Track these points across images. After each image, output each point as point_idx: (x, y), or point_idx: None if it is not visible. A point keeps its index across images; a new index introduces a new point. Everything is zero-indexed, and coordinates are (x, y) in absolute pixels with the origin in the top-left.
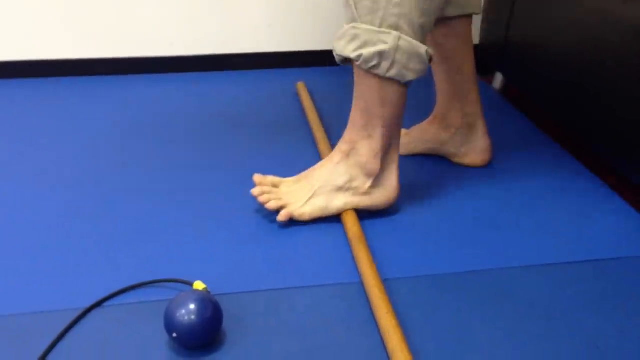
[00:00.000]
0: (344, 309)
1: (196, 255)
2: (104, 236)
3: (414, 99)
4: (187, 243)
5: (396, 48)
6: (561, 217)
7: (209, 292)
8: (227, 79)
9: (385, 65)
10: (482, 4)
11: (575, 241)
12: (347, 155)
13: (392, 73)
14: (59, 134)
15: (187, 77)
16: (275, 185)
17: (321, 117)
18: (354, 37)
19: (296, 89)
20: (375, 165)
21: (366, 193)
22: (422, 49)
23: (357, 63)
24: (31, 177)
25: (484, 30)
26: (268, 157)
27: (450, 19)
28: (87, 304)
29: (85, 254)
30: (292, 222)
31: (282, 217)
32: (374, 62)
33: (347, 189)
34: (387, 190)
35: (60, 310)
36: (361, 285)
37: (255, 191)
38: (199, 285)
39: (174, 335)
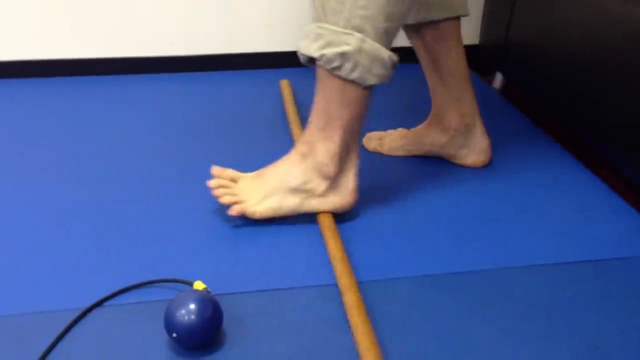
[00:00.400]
0: (340, 310)
1: (196, 255)
2: (104, 236)
3: (412, 99)
4: (187, 243)
5: (359, 50)
6: (561, 217)
7: (209, 292)
8: (227, 79)
9: (347, 66)
10: (468, 5)
11: (575, 241)
12: (304, 156)
13: (354, 75)
14: (59, 134)
15: (187, 77)
16: (233, 180)
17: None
18: (318, 37)
19: (279, 86)
20: (331, 168)
21: (321, 195)
22: (385, 54)
23: (320, 63)
24: (30, 177)
25: (484, 30)
26: (268, 157)
27: (438, 22)
28: (87, 304)
29: (85, 254)
30: (294, 222)
31: (233, 212)
32: (336, 63)
33: (302, 191)
34: (343, 194)
35: (60, 310)
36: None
37: (211, 183)
38: (199, 285)
39: (174, 335)
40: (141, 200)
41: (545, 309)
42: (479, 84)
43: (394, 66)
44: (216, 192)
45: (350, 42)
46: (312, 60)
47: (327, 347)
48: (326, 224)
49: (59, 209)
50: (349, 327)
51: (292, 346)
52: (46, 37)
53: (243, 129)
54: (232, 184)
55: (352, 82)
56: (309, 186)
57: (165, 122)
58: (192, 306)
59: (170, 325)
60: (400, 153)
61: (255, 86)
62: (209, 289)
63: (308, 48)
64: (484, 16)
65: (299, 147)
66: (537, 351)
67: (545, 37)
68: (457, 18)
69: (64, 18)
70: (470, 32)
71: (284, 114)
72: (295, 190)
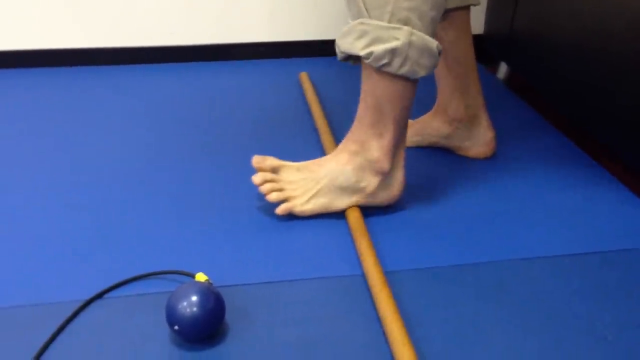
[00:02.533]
0: (347, 301)
1: (198, 247)
2: (105, 227)
3: (418, 89)
4: (189, 234)
5: (409, 44)
6: (566, 208)
7: (211, 284)
8: (229, 69)
9: (397, 62)
10: None
11: (581, 232)
12: (355, 154)
13: (404, 70)
14: (58, 124)
15: (188, 67)
16: (274, 170)
17: (324, 108)
18: (363, 34)
19: (299, 79)
20: (386, 164)
21: (372, 193)
22: (434, 43)
23: (368, 61)
24: (31, 168)
25: (489, 20)
26: (270, 148)
27: (449, 10)
28: (88, 296)
29: (86, 245)
30: (294, 214)
31: (281, 210)
32: (385, 60)
33: (354, 191)
34: (393, 188)
35: (61, 302)
36: (363, 277)
37: (256, 179)
38: (201, 277)
39: (176, 327)
40: (143, 191)
41: (552, 300)
42: (483, 73)
43: (440, 53)
44: (263, 189)
45: (398, 36)
46: (349, 58)
47: (330, 338)
48: (353, 217)
49: (60, 200)
50: (352, 318)
51: (295, 338)
52: (45, 27)
53: (245, 120)
54: (276, 177)
55: (400, 76)
56: (361, 185)
57: (166, 113)
58: (194, 298)
59: (171, 317)
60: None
61: (258, 76)
62: (211, 281)
63: (352, 46)
64: (488, 6)
65: (349, 146)
66: (545, 343)
67: (550, 26)
68: (468, 7)
69: (63, 7)
70: (475, 21)
71: (288, 104)
72: (346, 190)
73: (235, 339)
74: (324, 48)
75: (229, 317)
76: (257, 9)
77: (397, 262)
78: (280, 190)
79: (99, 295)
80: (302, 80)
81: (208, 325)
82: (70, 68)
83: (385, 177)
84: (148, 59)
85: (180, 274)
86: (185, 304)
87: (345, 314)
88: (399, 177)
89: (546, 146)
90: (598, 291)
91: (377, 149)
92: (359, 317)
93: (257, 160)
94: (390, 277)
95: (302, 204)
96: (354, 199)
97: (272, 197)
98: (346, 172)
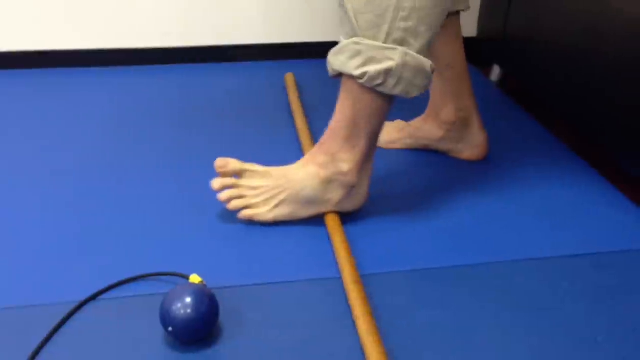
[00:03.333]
0: (341, 303)
1: (192, 248)
2: (99, 229)
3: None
4: (184, 236)
5: (403, 65)
6: (558, 211)
7: (205, 286)
8: (222, 70)
9: (391, 82)
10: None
11: (573, 234)
12: (325, 167)
13: (398, 90)
14: (52, 125)
15: (181, 69)
16: (239, 173)
17: (309, 109)
18: (357, 53)
19: (284, 80)
20: (354, 177)
21: (337, 204)
22: (428, 63)
23: (361, 81)
24: (21, 169)
25: (482, 22)
26: (258, 149)
27: None
28: (82, 297)
29: (80, 247)
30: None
31: (243, 216)
32: (379, 80)
33: (319, 202)
34: (358, 198)
35: (55, 304)
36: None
37: (215, 184)
38: (195, 278)
39: (170, 329)
40: (137, 193)
41: (543, 302)
42: (476, 76)
43: (433, 72)
44: (221, 197)
45: (393, 57)
46: (341, 75)
47: (325, 340)
48: (331, 219)
49: (53, 201)
50: (349, 320)
51: (289, 340)
52: (39, 28)
53: (236, 121)
54: (237, 182)
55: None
56: (327, 196)
57: (159, 114)
58: (189, 300)
59: (166, 319)
60: (397, 146)
61: (249, 78)
62: (205, 283)
63: (345, 65)
64: (481, 8)
65: (318, 158)
66: (536, 345)
67: (543, 29)
68: (458, 13)
69: (57, 8)
70: (468, 24)
71: (277, 105)
72: (311, 201)
73: (230, 341)
74: (317, 50)
75: (223, 318)
76: (251, 11)
77: (383, 264)
78: (240, 197)
79: (93, 297)
80: (287, 81)
81: (202, 327)
82: (63, 69)
83: (351, 189)
84: (140, 61)
85: (174, 275)
86: (179, 305)
87: (339, 316)
88: (364, 190)
89: (538, 148)
90: (589, 293)
91: (348, 162)
92: (350, 319)
93: (219, 163)
94: (375, 279)
95: (264, 213)
96: (318, 210)
97: (232, 205)
98: (313, 185)
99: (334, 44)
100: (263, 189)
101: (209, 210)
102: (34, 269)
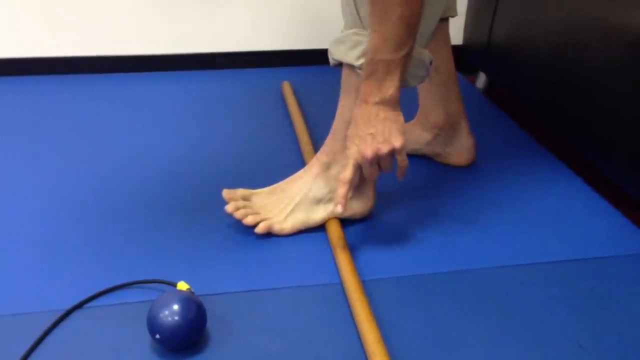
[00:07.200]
0: (327, 310)
1: (179, 256)
2: (86, 236)
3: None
4: (170, 243)
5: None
6: (543, 217)
7: (192, 293)
8: (212, 78)
9: None
10: (457, 6)
11: (558, 240)
12: (328, 167)
13: None
14: (36, 133)
15: (171, 76)
16: (245, 199)
17: (305, 117)
18: (357, 43)
19: (281, 88)
20: (357, 176)
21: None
22: (426, 56)
23: (360, 71)
24: (7, 176)
25: (468, 31)
26: (251, 158)
27: None
28: (68, 306)
29: (66, 255)
30: (274, 233)
31: (260, 229)
32: None
33: (327, 201)
34: (365, 201)
35: (41, 312)
36: (342, 286)
37: (229, 208)
38: (182, 285)
39: (157, 336)
40: (124, 200)
41: (527, 308)
42: (462, 83)
43: (431, 64)
44: (237, 215)
45: None
46: (341, 64)
47: (314, 346)
48: (332, 227)
49: (40, 210)
50: (332, 327)
51: (276, 346)
52: (26, 35)
53: (227, 129)
54: (248, 203)
55: None
56: (334, 195)
57: (148, 121)
58: (176, 307)
59: (153, 326)
60: None
61: (240, 85)
62: (192, 290)
63: (346, 55)
64: (467, 17)
65: (321, 158)
66: (520, 350)
67: (528, 37)
68: (447, 19)
69: (45, 15)
70: (454, 32)
71: (270, 113)
72: (321, 202)
73: (217, 348)
74: (306, 57)
75: (210, 325)
76: (241, 18)
77: (376, 270)
78: (255, 214)
79: (79, 305)
80: (284, 90)
81: (190, 334)
82: (52, 76)
83: (356, 189)
84: (130, 68)
85: (161, 282)
86: (166, 312)
87: (325, 322)
88: (370, 191)
89: (524, 155)
90: (574, 299)
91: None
92: (338, 326)
93: (227, 194)
94: (369, 285)
95: (280, 222)
96: (329, 210)
97: (249, 220)
98: (319, 183)
99: (323, 51)
100: (274, 203)
101: (198, 218)
102: (20, 277)
